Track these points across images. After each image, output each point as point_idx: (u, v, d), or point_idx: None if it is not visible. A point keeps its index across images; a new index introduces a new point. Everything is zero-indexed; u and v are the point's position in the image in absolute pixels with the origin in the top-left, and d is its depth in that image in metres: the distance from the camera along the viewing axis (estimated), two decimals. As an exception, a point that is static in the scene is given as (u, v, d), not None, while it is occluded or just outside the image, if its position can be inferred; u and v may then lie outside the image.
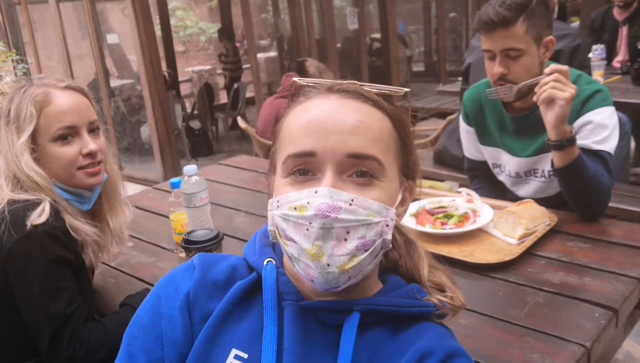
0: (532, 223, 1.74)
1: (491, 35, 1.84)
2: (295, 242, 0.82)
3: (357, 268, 0.82)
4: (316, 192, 0.80)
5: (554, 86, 1.68)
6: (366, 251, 0.82)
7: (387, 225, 0.84)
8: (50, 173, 1.46)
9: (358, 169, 0.82)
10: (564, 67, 1.71)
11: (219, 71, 10.09)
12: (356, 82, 0.89)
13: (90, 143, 1.50)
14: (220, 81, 10.26)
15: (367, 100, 0.86)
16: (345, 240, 0.80)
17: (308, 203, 0.80)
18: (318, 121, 0.83)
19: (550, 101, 1.69)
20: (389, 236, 0.84)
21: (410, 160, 0.91)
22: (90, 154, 1.50)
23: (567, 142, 1.71)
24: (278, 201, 0.84)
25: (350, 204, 0.80)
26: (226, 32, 8.60)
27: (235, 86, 7.91)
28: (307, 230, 0.80)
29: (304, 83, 0.90)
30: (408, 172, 0.92)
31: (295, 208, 0.81)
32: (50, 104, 1.46)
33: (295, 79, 0.91)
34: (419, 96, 6.87)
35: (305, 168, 0.83)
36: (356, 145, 0.82)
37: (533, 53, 1.85)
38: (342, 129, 0.82)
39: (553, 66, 1.73)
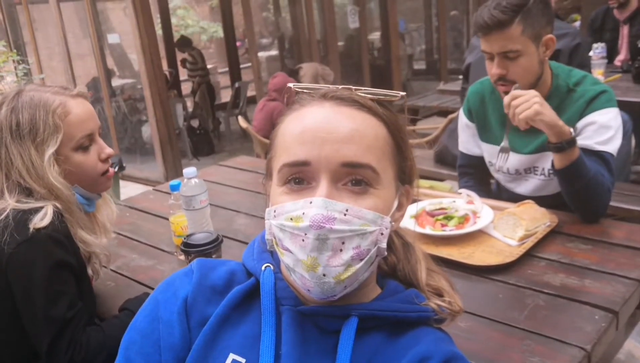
0: (533, 224, 1.74)
1: (488, 38, 1.84)
2: (291, 252, 0.82)
3: (353, 278, 0.82)
4: (311, 203, 0.80)
5: (519, 112, 1.71)
6: (361, 260, 0.82)
7: (382, 234, 0.84)
8: (71, 182, 1.47)
9: (353, 177, 0.82)
10: (512, 93, 1.75)
11: (221, 71, 10.07)
12: (351, 87, 0.88)
13: (107, 147, 1.56)
14: (222, 80, 10.26)
15: (361, 107, 0.86)
16: (341, 250, 0.80)
17: (303, 213, 0.80)
18: (312, 129, 0.83)
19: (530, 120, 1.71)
20: (384, 245, 0.84)
21: (406, 165, 0.91)
22: (108, 158, 1.55)
23: (566, 144, 1.71)
24: (275, 211, 0.84)
25: (345, 215, 0.80)
26: (183, 43, 8.49)
27: (237, 85, 7.91)
28: (303, 240, 0.80)
29: (298, 89, 0.90)
30: (404, 177, 0.91)
31: (291, 219, 0.81)
32: (70, 114, 1.47)
33: (290, 85, 0.90)
34: (420, 94, 6.87)
35: (300, 177, 0.83)
36: (350, 154, 0.81)
37: (532, 53, 1.83)
38: (336, 138, 0.81)
39: (506, 97, 1.76)
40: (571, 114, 1.88)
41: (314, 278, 0.81)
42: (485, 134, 2.13)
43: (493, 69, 1.87)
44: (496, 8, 1.79)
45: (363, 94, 0.87)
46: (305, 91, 0.90)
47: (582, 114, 1.87)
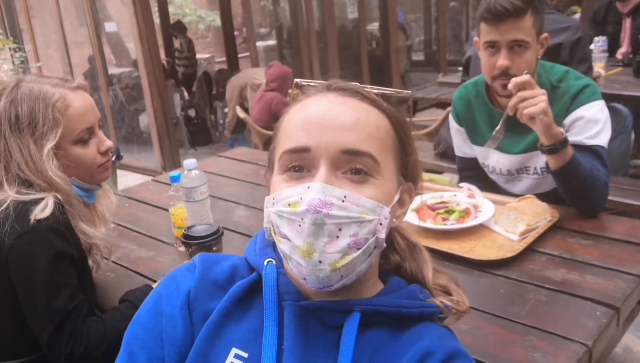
0: (534, 219, 1.73)
1: (500, 26, 1.80)
2: (288, 239, 0.82)
3: (350, 267, 0.82)
4: (309, 188, 0.80)
5: (525, 106, 1.67)
6: (358, 249, 0.81)
7: (381, 224, 0.83)
8: (69, 174, 1.46)
9: (353, 166, 0.82)
10: (524, 78, 1.69)
11: (219, 60, 9.99)
12: (357, 84, 0.89)
13: (107, 140, 1.54)
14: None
15: (365, 98, 0.87)
16: (337, 237, 0.80)
17: (301, 198, 0.80)
18: (314, 117, 0.83)
19: (531, 118, 1.68)
20: (383, 235, 0.84)
21: (409, 161, 0.91)
22: (107, 151, 1.53)
23: (560, 145, 1.70)
24: (274, 199, 0.84)
25: (343, 201, 0.80)
26: (178, 27, 8.45)
27: (235, 74, 7.86)
28: (300, 226, 0.80)
29: (304, 83, 0.90)
30: (407, 173, 0.91)
31: (289, 204, 0.81)
32: (70, 107, 1.45)
33: (297, 80, 0.90)
34: (419, 85, 6.86)
35: (300, 165, 0.83)
36: (351, 141, 0.81)
37: (534, 48, 1.83)
38: (338, 125, 0.82)
39: (513, 81, 1.70)
40: (557, 111, 1.87)
41: (309, 265, 0.80)
42: (475, 136, 2.12)
43: (499, 61, 1.83)
44: None
45: (368, 89, 0.88)
46: (311, 84, 0.90)
47: (568, 110, 1.87)
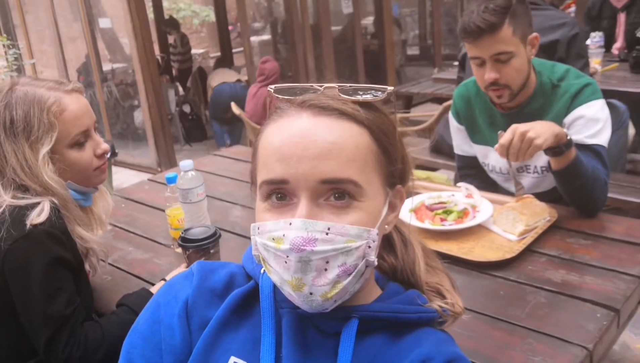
0: (532, 220, 1.73)
1: (478, 43, 1.81)
2: (277, 271, 0.81)
3: (342, 292, 0.81)
4: (290, 224, 0.78)
5: (522, 155, 1.65)
6: (349, 275, 0.80)
7: (369, 247, 0.81)
8: (65, 178, 1.45)
9: (335, 191, 0.79)
10: (502, 142, 1.68)
11: (213, 55, 9.93)
12: (335, 85, 0.84)
13: (103, 143, 1.53)
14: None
15: (341, 115, 0.81)
16: (326, 270, 0.78)
17: (284, 235, 0.78)
18: (288, 145, 0.79)
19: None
20: (372, 257, 0.82)
21: (395, 169, 0.87)
22: (103, 154, 1.52)
23: (565, 147, 1.70)
24: (259, 228, 0.82)
25: (327, 234, 0.77)
26: (171, 23, 8.40)
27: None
28: (286, 262, 0.79)
29: (279, 95, 0.86)
30: (394, 181, 0.88)
31: (273, 239, 0.79)
32: (65, 111, 1.44)
33: (271, 88, 0.86)
34: (414, 80, 6.84)
35: (282, 193, 0.80)
36: (329, 170, 0.78)
37: (522, 53, 1.84)
38: (313, 155, 0.78)
39: (498, 149, 1.70)
40: (558, 110, 1.88)
41: (301, 297, 0.80)
42: (476, 135, 2.12)
43: (486, 75, 1.85)
44: (485, 11, 1.77)
45: (346, 96, 0.83)
46: (285, 96, 0.85)
47: (568, 109, 1.87)
